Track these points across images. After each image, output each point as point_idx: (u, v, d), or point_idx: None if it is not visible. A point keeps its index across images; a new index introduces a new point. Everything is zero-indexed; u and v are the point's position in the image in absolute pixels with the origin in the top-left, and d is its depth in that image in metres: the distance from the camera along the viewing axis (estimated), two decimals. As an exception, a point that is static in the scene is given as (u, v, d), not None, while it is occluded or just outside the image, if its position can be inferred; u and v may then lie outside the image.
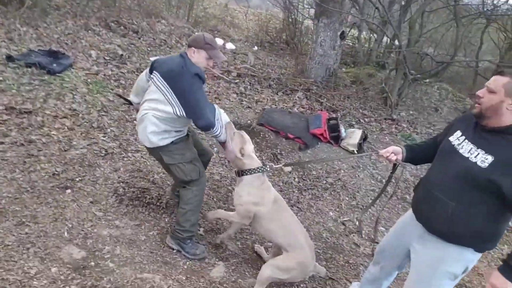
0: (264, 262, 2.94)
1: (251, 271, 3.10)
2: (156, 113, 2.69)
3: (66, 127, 3.99)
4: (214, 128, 2.68)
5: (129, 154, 4.01)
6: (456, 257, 2.06)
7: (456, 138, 2.08)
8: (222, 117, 2.83)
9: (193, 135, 3.14)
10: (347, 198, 4.48)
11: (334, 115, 6.02)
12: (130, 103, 3.28)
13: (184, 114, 2.64)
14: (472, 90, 9.18)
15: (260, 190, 2.80)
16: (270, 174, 4.18)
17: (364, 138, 5.49)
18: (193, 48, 2.70)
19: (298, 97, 6.52)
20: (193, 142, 3.06)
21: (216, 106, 2.82)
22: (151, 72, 2.79)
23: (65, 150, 3.71)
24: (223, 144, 2.85)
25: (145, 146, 2.93)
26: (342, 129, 5.47)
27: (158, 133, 2.73)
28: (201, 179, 2.94)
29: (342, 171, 4.91)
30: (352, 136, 5.42)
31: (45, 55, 4.83)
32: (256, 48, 8.80)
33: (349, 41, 10.03)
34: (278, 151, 4.91)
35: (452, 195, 1.99)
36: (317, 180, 4.63)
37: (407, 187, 4.99)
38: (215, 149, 4.50)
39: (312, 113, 6.04)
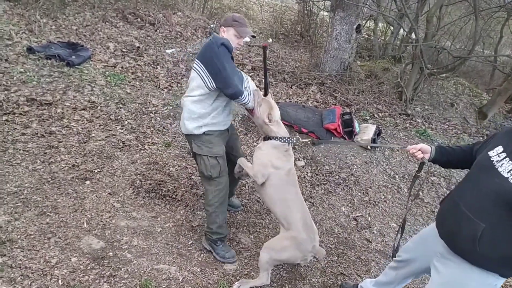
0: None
1: (263, 265, 3.15)
2: (191, 96, 2.78)
3: (85, 119, 4.09)
4: (243, 96, 2.71)
5: (146, 147, 4.09)
6: (480, 282, 1.94)
7: (496, 154, 1.89)
8: (249, 84, 2.89)
9: (235, 139, 3.21)
10: (359, 194, 4.49)
11: (348, 110, 6.00)
12: None
13: (214, 84, 2.67)
14: (489, 85, 9.02)
15: (281, 154, 2.81)
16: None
17: (378, 133, 5.47)
18: (223, 27, 2.82)
19: (312, 91, 6.50)
20: (230, 142, 3.11)
21: (243, 73, 2.88)
22: None
23: (84, 142, 3.81)
24: (251, 111, 2.90)
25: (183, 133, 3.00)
26: (356, 124, 5.46)
27: (193, 120, 2.80)
28: (220, 179, 2.93)
29: (355, 167, 4.92)
30: (366, 131, 5.41)
31: (64, 47, 4.92)
32: (270, 40, 8.77)
33: (365, 33, 9.92)
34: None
35: (482, 215, 1.83)
36: (330, 175, 4.65)
37: (419, 184, 4.95)
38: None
39: (326, 108, 6.04)
